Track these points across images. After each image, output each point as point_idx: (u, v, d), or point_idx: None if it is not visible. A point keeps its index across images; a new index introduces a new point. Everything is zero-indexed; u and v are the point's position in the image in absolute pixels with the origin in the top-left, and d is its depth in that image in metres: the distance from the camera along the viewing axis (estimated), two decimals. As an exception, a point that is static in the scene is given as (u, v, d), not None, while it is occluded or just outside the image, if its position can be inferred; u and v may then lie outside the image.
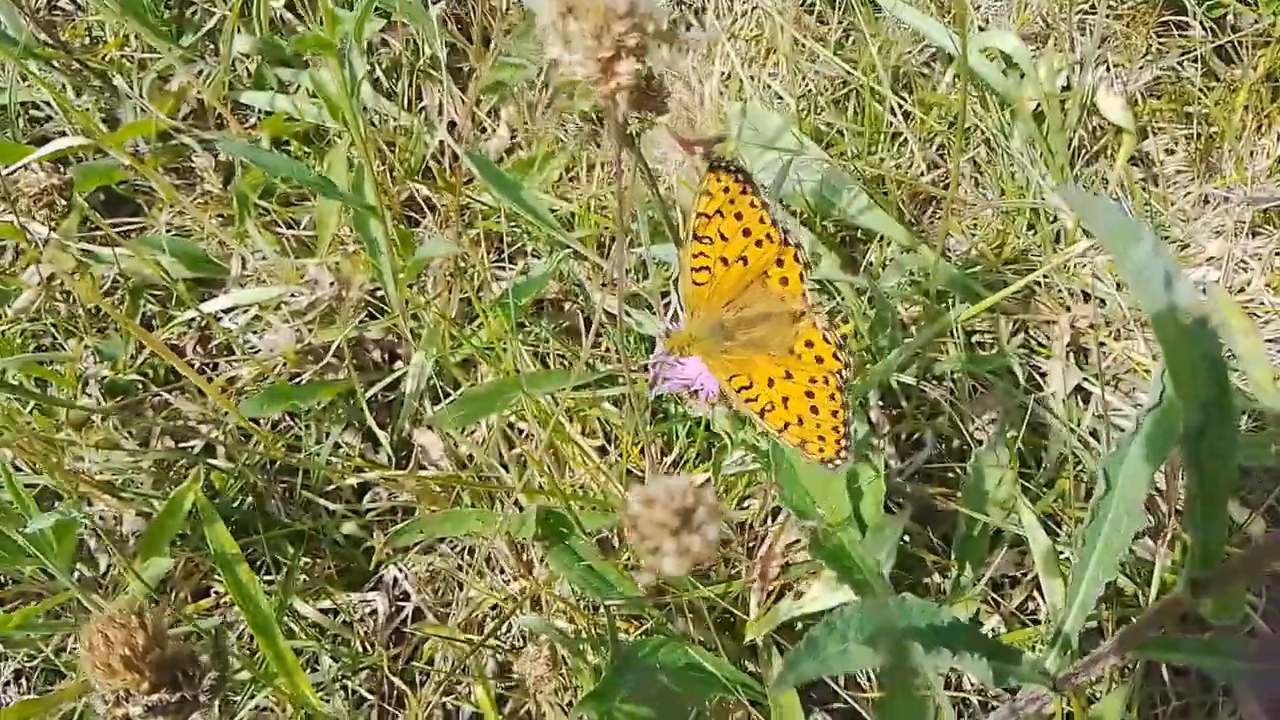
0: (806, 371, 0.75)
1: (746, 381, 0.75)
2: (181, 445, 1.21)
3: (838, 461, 0.73)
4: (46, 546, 0.91)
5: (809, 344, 0.77)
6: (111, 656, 0.54)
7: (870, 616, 0.60)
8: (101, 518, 1.19)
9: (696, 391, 0.79)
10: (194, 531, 1.14)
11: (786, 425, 0.74)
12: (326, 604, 1.14)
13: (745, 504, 1.11)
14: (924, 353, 1.18)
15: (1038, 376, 1.19)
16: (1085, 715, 0.88)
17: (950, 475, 1.13)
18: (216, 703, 0.59)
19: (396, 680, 1.08)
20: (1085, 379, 1.17)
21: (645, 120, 0.71)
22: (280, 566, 1.14)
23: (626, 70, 0.54)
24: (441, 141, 1.36)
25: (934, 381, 1.18)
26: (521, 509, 1.07)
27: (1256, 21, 1.32)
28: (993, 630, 1.05)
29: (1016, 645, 0.91)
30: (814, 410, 0.73)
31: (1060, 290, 1.22)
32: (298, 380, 1.21)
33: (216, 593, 1.14)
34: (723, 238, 0.77)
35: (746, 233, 0.77)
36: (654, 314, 1.07)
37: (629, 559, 1.07)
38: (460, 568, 1.13)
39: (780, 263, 0.78)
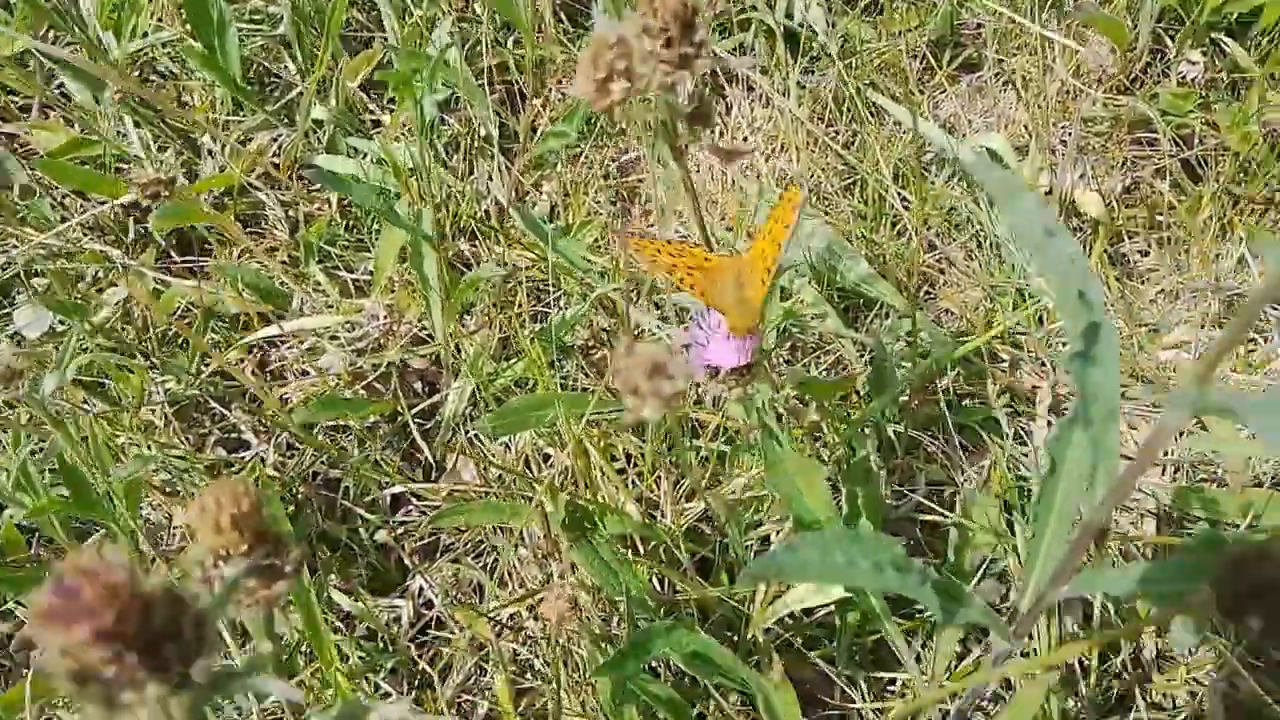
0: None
1: None
2: (232, 455, 1.31)
3: None
4: (119, 502, 1.00)
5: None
6: (221, 516, 0.63)
7: (851, 540, 0.69)
8: (149, 521, 1.28)
9: (717, 371, 0.90)
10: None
11: None
12: (357, 605, 1.21)
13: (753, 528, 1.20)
14: (916, 410, 1.29)
15: (1024, 433, 1.30)
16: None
17: (941, 520, 1.22)
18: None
19: (423, 665, 1.14)
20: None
21: (694, 134, 0.86)
22: (316, 570, 1.23)
23: (702, 64, 0.71)
24: (487, 210, 1.52)
25: (927, 435, 1.29)
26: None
27: (1216, 138, 1.50)
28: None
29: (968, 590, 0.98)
30: None
31: (1044, 362, 1.35)
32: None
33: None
34: (672, 259, 0.92)
35: (670, 254, 0.92)
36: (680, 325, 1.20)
37: (646, 568, 1.15)
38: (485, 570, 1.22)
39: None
